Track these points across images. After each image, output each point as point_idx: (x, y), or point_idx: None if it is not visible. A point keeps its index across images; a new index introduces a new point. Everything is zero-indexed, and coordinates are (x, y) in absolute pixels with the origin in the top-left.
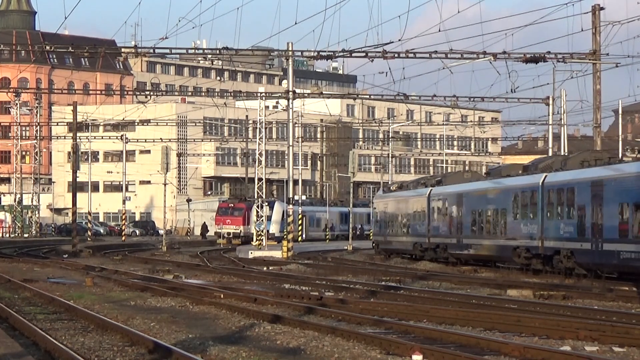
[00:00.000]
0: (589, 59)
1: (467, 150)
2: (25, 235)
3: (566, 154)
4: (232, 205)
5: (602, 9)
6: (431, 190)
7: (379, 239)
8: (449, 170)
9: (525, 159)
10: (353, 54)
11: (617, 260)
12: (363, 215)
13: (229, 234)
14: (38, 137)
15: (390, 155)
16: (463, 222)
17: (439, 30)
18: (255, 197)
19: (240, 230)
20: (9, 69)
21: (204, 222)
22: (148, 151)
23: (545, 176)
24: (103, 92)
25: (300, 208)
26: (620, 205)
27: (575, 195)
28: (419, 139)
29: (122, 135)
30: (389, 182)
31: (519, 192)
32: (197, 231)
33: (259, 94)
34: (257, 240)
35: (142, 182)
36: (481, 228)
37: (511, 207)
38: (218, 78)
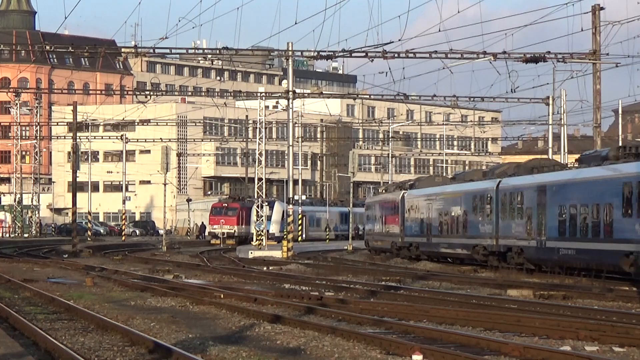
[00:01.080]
0: (589, 59)
1: (467, 150)
2: (25, 235)
3: (566, 154)
4: (226, 205)
5: (602, 9)
6: (404, 193)
7: (369, 238)
8: (449, 170)
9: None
10: (353, 54)
11: (557, 256)
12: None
13: (223, 234)
14: (38, 137)
15: (390, 155)
16: (432, 222)
17: (439, 30)
18: (255, 197)
19: (235, 230)
20: (9, 69)
21: (202, 222)
22: (148, 151)
23: (500, 181)
24: (103, 92)
25: (300, 208)
26: (559, 207)
27: (524, 198)
28: (419, 139)
29: (122, 135)
30: (389, 182)
31: (478, 196)
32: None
33: (259, 94)
34: (257, 240)
35: (142, 182)
36: (447, 228)
37: (471, 209)
38: (218, 78)
